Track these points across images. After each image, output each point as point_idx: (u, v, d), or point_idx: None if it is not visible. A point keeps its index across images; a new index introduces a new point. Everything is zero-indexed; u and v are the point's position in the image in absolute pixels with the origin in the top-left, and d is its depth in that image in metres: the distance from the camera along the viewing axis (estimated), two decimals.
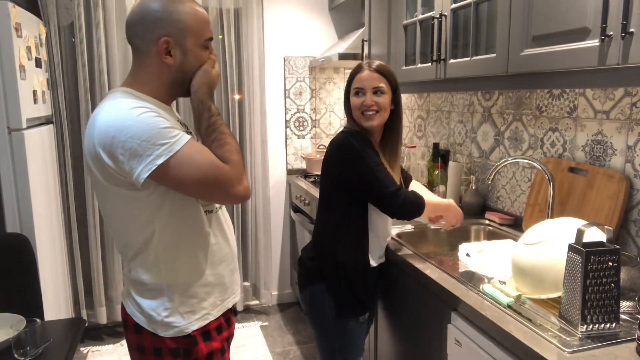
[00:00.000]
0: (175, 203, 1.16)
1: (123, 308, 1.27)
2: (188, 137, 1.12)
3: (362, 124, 1.64)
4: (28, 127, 2.22)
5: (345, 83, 1.70)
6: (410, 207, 1.59)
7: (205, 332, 1.24)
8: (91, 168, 1.14)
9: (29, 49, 2.30)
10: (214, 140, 1.17)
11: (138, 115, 1.07)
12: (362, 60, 2.63)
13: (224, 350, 1.30)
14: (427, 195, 1.70)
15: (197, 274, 1.22)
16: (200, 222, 1.22)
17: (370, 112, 1.62)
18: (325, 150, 1.71)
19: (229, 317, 1.34)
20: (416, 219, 1.71)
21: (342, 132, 1.65)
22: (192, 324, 1.22)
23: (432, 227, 2.02)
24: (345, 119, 1.75)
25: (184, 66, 1.19)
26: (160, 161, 1.06)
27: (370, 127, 1.64)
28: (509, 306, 1.25)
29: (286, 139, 3.48)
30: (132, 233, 1.18)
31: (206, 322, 1.24)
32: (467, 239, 2.05)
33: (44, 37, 2.65)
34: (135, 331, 1.23)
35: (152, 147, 1.06)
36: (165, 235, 1.17)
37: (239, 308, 3.29)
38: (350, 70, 1.70)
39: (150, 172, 1.06)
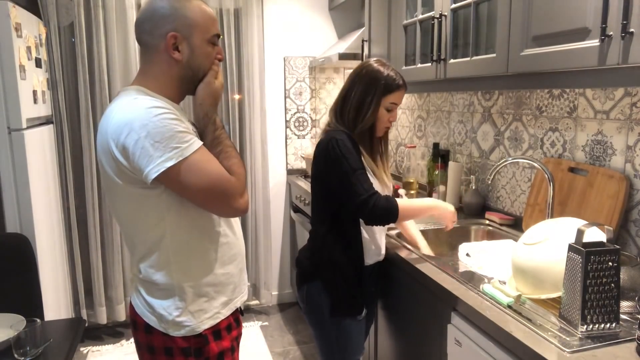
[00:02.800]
0: (187, 202, 1.16)
1: (132, 308, 1.27)
2: (200, 143, 1.13)
3: (379, 135, 1.66)
4: (28, 127, 2.22)
5: (376, 90, 1.60)
6: (381, 213, 1.55)
7: (216, 331, 1.24)
8: (103, 165, 1.15)
9: (29, 49, 2.30)
10: (220, 152, 1.18)
11: (155, 115, 1.08)
12: (362, 60, 2.63)
13: (234, 349, 1.30)
14: (410, 201, 1.68)
15: (208, 273, 1.22)
16: (211, 221, 1.22)
17: (389, 126, 1.67)
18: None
19: (237, 317, 1.35)
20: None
21: (327, 133, 1.64)
22: (204, 322, 1.22)
23: (434, 227, 2.03)
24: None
25: (191, 62, 1.19)
26: (169, 164, 1.07)
27: (381, 136, 1.68)
28: (509, 306, 1.25)
29: (286, 139, 3.48)
30: (143, 232, 1.18)
31: (217, 321, 1.24)
32: (467, 239, 2.05)
33: (44, 37, 2.65)
34: (145, 331, 1.23)
35: (164, 149, 1.07)
36: (177, 235, 1.17)
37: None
38: (366, 72, 1.63)
39: (158, 173, 1.07)
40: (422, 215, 1.70)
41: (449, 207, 1.70)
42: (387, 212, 1.55)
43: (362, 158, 1.62)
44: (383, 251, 1.77)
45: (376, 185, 1.63)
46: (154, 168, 1.07)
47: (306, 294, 1.71)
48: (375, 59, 1.67)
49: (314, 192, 1.73)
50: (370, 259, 1.70)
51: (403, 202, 1.61)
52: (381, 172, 1.69)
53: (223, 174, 1.15)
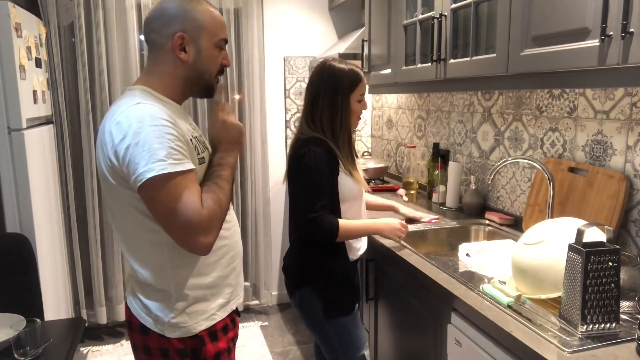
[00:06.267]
0: None
1: (127, 309, 1.27)
2: (190, 167, 1.10)
3: (355, 127, 1.73)
4: (28, 127, 2.22)
5: (344, 87, 1.64)
6: (319, 237, 1.62)
7: (212, 332, 1.24)
8: (100, 164, 1.14)
9: (29, 49, 2.30)
10: (205, 185, 1.16)
11: (152, 124, 1.06)
12: (362, 60, 2.63)
13: (230, 350, 1.30)
14: (352, 224, 1.68)
15: (204, 275, 1.22)
16: None
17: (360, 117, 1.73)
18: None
19: (234, 318, 1.34)
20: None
21: (302, 142, 1.64)
22: (200, 324, 1.21)
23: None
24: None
25: (197, 64, 1.20)
26: (150, 175, 1.04)
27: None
28: (509, 306, 1.25)
29: (286, 139, 3.47)
30: (137, 234, 1.17)
31: (213, 322, 1.24)
32: (467, 239, 2.05)
33: (44, 37, 2.65)
34: (141, 332, 1.22)
35: (149, 158, 1.05)
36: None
37: (240, 308, 3.28)
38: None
39: (141, 182, 1.05)
40: (364, 235, 1.78)
41: (392, 223, 1.74)
42: (325, 236, 1.61)
43: (340, 163, 1.65)
44: (365, 245, 1.81)
45: (354, 188, 1.68)
46: (138, 177, 1.05)
47: (299, 301, 1.74)
48: (331, 58, 1.70)
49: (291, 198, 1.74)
50: (353, 254, 1.73)
51: (345, 224, 1.63)
52: (358, 172, 1.72)
53: (194, 206, 1.08)
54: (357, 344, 1.74)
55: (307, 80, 3.39)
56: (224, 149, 1.22)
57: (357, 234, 1.71)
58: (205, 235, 1.10)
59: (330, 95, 1.64)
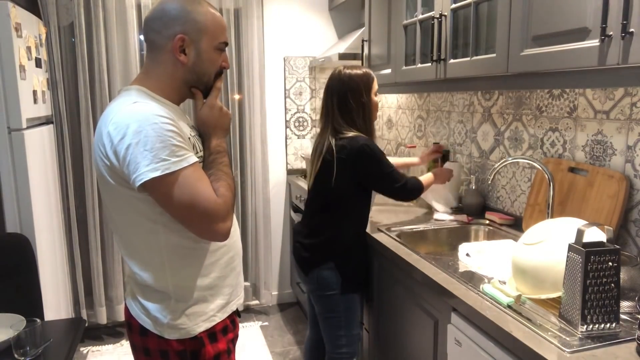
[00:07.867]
0: None
1: (127, 310, 1.26)
2: (194, 160, 1.11)
3: (375, 120, 1.94)
4: (28, 127, 2.22)
5: (364, 87, 1.87)
6: (416, 193, 1.99)
7: (211, 333, 1.23)
8: (98, 165, 1.14)
9: (29, 49, 2.30)
10: (211, 174, 1.17)
11: (151, 123, 1.06)
12: (362, 60, 2.63)
13: (230, 351, 1.29)
14: (424, 179, 2.05)
15: (203, 276, 1.21)
16: None
17: None
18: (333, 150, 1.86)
19: (234, 319, 1.33)
20: None
21: (353, 139, 1.83)
22: (199, 325, 1.21)
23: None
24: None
25: (197, 67, 1.19)
26: (154, 174, 1.05)
27: None
28: (509, 306, 1.25)
29: (286, 139, 3.48)
30: (136, 235, 1.17)
31: (212, 324, 1.23)
32: (467, 239, 2.05)
33: (44, 37, 2.65)
34: (140, 333, 1.22)
35: (153, 159, 1.05)
36: (171, 238, 1.16)
37: (240, 309, 3.27)
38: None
39: (142, 181, 1.05)
40: (430, 185, 2.08)
41: (444, 172, 2.15)
42: (418, 192, 1.99)
43: None
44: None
45: None
46: (139, 176, 1.05)
47: (317, 277, 1.89)
48: (342, 67, 1.91)
49: (328, 182, 1.85)
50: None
51: (422, 181, 2.01)
52: None
53: (210, 195, 1.11)
54: (356, 323, 1.95)
55: (307, 81, 3.44)
56: (219, 135, 1.24)
57: (429, 186, 2.06)
58: (225, 222, 1.15)
59: (358, 96, 1.87)
